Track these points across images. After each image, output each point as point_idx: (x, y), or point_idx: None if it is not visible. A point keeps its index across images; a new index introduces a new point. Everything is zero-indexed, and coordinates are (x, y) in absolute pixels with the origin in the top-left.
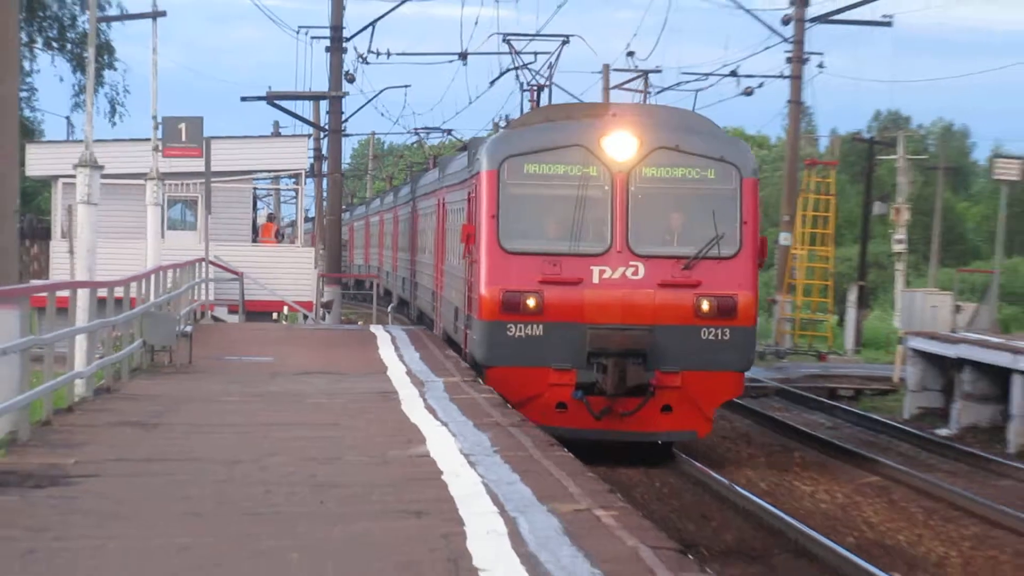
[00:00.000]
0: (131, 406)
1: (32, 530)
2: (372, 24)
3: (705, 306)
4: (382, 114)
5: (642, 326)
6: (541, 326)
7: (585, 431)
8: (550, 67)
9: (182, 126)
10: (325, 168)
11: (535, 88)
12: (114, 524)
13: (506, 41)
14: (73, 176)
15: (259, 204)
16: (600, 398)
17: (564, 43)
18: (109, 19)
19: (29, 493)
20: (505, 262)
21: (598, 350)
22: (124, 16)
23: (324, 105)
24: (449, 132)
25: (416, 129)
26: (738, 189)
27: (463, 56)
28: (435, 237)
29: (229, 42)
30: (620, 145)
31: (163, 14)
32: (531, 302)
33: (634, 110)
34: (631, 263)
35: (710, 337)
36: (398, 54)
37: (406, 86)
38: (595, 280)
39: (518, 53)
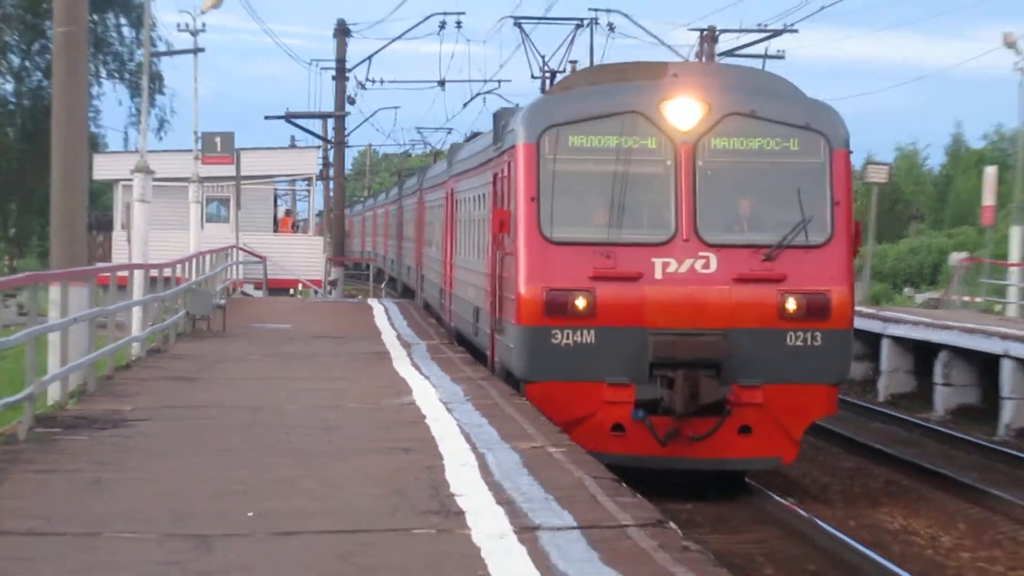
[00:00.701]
0: (177, 364)
1: (98, 463)
2: (369, 58)
3: (791, 305)
4: (377, 129)
5: (715, 330)
6: (593, 332)
7: (647, 458)
8: (571, 44)
9: (217, 139)
10: (332, 173)
11: (549, 74)
12: (162, 458)
13: (517, 25)
14: (130, 179)
15: (278, 202)
16: (665, 418)
17: (579, 26)
18: (159, 54)
19: (95, 434)
20: (548, 254)
21: (662, 360)
22: (171, 52)
23: (331, 122)
24: (449, 131)
25: (419, 128)
26: (827, 162)
27: (441, 83)
28: (443, 230)
29: (255, 72)
30: (684, 111)
31: (202, 50)
32: (580, 303)
33: (699, 70)
34: (700, 254)
35: (798, 343)
36: (390, 81)
37: (396, 107)
38: (657, 275)
39: (527, 36)
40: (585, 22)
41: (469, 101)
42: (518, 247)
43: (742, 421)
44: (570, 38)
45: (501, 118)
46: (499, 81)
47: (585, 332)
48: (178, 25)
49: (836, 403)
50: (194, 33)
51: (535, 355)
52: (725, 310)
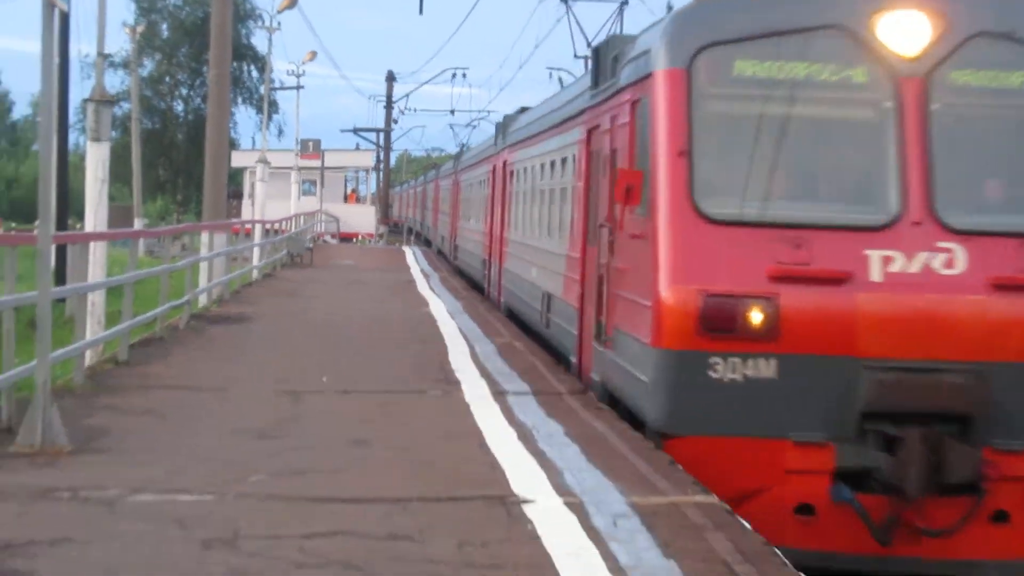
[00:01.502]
0: (281, 284)
1: (230, 346)
2: (407, 95)
3: None
4: (411, 140)
5: (965, 363)
6: (773, 361)
7: (852, 557)
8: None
9: (311, 144)
10: (381, 167)
11: (593, 53)
12: (271, 344)
13: (563, 1)
14: (255, 167)
15: (347, 183)
16: (884, 498)
17: (624, 3)
18: (275, 89)
19: (229, 327)
20: (706, 239)
21: (884, 408)
22: (283, 88)
23: (381, 135)
24: (475, 126)
25: (451, 125)
26: None
27: (452, 112)
28: (488, 204)
29: (336, 101)
30: (909, 28)
31: (303, 87)
32: (756, 316)
33: None
34: (940, 244)
35: None
36: (421, 110)
37: (423, 126)
38: (874, 275)
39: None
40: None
41: (469, 123)
42: (657, 226)
43: (998, 504)
44: (618, 12)
45: (611, 47)
46: (489, 111)
47: (761, 362)
48: (287, 71)
49: None
50: (297, 76)
51: (683, 396)
52: (980, 332)
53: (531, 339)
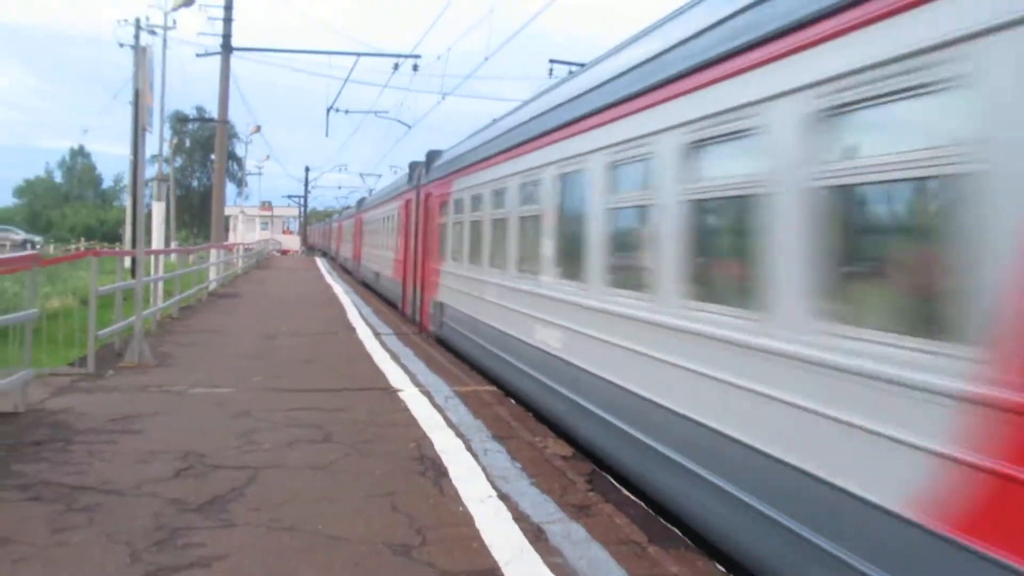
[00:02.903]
0: (253, 277)
1: (228, 310)
2: (316, 178)
3: None
4: (317, 201)
5: None
6: None
7: None
8: None
9: (266, 203)
10: (302, 216)
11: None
12: (253, 307)
13: None
14: (237, 215)
15: (285, 224)
16: None
17: None
18: (248, 174)
19: (229, 300)
20: None
21: None
22: (251, 173)
23: (302, 199)
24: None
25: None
26: None
27: (339, 187)
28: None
29: (277, 181)
30: None
31: (262, 173)
32: None
33: None
34: None
35: None
36: (323, 186)
37: (323, 194)
38: None
39: None
40: None
41: (350, 192)
42: None
43: None
44: None
45: None
46: (377, 179)
47: None
48: (254, 165)
49: None
50: (259, 167)
51: None
52: None
53: None
